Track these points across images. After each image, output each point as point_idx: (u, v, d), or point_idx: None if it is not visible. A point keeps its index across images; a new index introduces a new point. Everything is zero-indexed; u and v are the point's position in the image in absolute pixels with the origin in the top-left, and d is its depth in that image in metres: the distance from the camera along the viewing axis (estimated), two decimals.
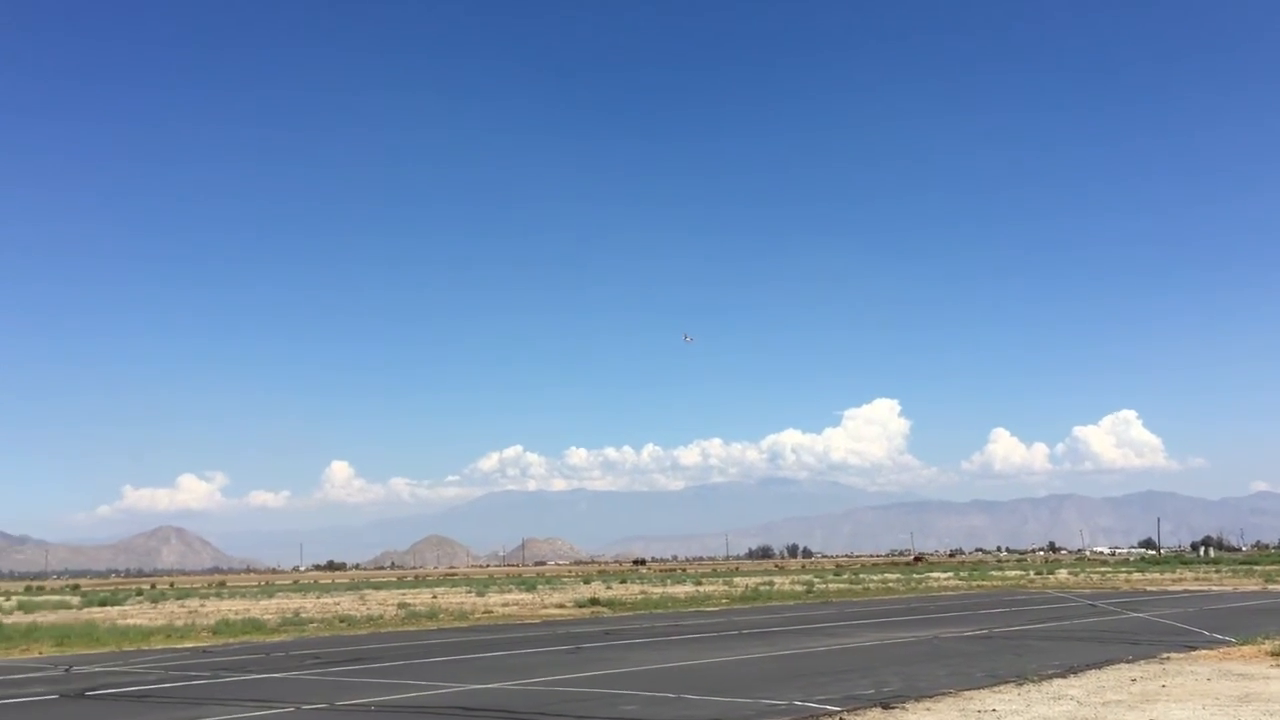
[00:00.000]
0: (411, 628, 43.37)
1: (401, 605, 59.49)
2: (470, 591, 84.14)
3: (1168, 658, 24.84)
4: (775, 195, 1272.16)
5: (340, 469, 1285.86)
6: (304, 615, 51.18)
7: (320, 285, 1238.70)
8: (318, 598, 78.50)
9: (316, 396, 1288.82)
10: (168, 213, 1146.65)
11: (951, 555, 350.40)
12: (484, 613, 52.70)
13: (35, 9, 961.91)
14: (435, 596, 74.43)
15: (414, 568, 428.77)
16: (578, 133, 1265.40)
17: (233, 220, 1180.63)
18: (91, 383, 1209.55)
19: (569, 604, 58.91)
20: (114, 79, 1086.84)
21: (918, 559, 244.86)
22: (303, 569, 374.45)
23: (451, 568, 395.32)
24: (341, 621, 46.44)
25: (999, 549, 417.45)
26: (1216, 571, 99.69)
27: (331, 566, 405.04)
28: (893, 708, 17.77)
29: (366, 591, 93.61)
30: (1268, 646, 26.32)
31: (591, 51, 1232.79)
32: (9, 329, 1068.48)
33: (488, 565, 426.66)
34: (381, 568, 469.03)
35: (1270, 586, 65.84)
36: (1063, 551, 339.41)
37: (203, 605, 68.98)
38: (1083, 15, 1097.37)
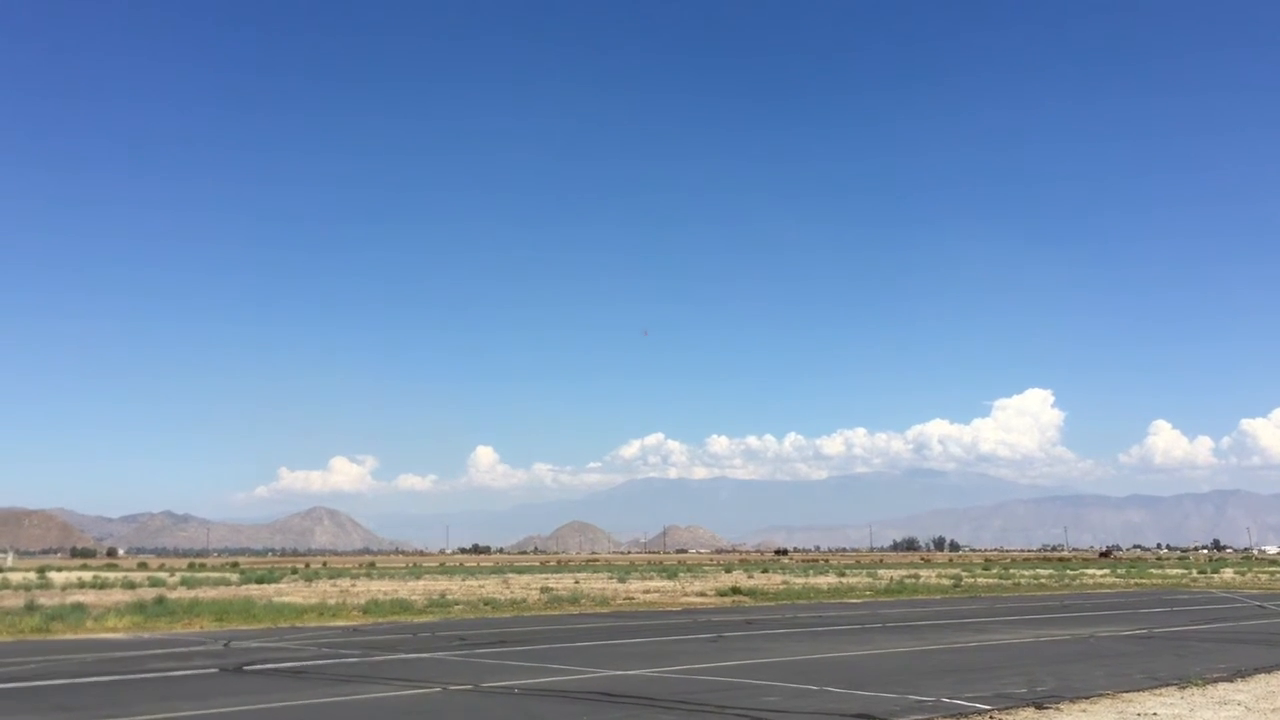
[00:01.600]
0: (554, 612, 43.81)
1: (544, 589, 60.18)
2: (611, 577, 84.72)
3: None
4: (922, 183, 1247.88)
5: (485, 454, 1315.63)
6: (450, 597, 52.15)
7: (468, 275, 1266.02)
8: (463, 580, 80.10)
9: (463, 383, 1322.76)
10: (316, 203, 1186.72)
11: (1104, 555, 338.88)
12: (625, 599, 52.92)
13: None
14: (577, 582, 75.16)
15: (556, 552, 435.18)
16: (716, 118, 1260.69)
17: (382, 211, 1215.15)
18: (251, 368, 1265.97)
19: (710, 592, 58.75)
20: (238, 67, 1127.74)
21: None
22: (449, 551, 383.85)
23: (593, 553, 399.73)
24: (486, 604, 47.17)
25: (1159, 546, 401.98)
26: None
27: (476, 550, 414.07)
28: (1046, 708, 17.09)
29: (510, 575, 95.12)
30: None
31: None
32: (176, 316, 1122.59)
33: (629, 551, 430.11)
34: (524, 552, 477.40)
35: None
36: (1228, 550, 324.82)
37: (353, 585, 71.01)
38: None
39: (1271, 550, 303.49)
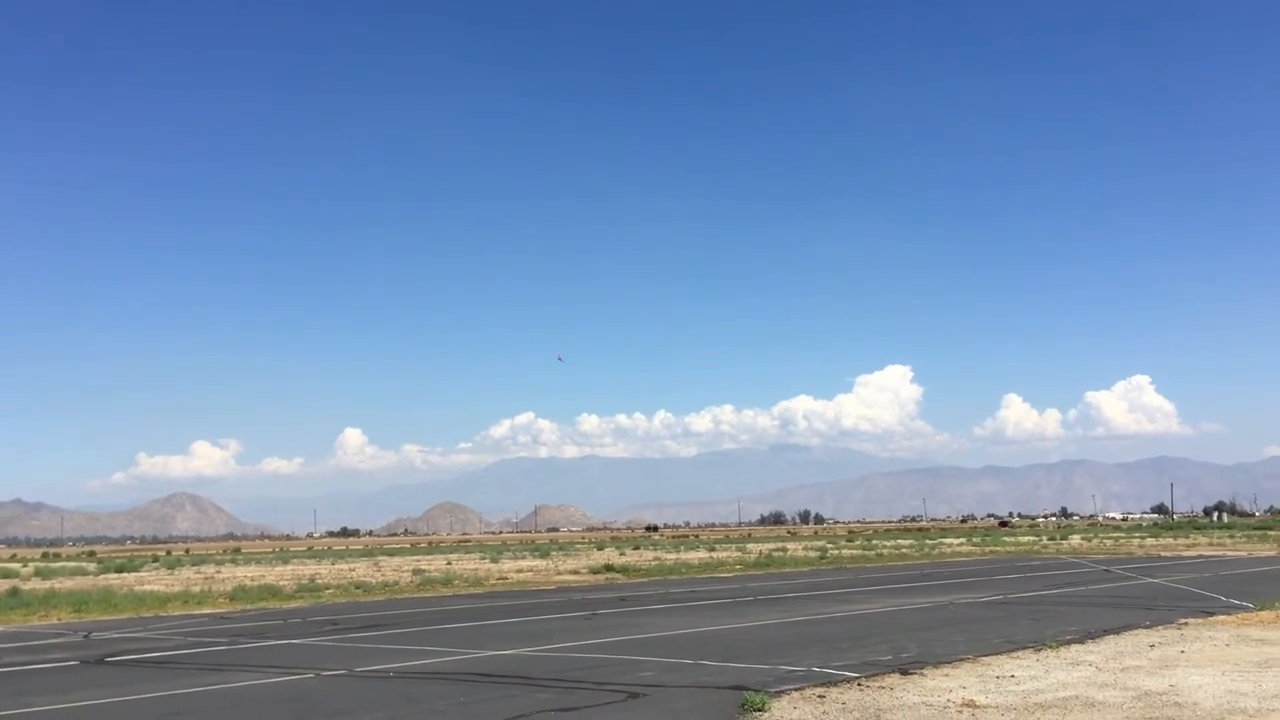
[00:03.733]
0: (427, 594, 43.53)
1: (416, 572, 59.71)
2: (484, 558, 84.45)
3: (1185, 623, 24.75)
4: (791, 163, 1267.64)
5: (353, 436, 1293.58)
6: (319, 581, 51.40)
7: (334, 254, 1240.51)
8: (332, 564, 78.88)
9: (329, 363, 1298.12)
10: (181, 187, 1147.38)
11: (963, 521, 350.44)
12: (498, 579, 52.87)
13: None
14: (449, 563, 74.71)
15: (427, 534, 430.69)
16: (593, 99, 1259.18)
17: (247, 190, 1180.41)
18: (106, 350, 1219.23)
19: (583, 570, 59.06)
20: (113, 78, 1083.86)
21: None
22: (316, 535, 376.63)
23: (464, 534, 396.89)
24: (357, 588, 46.61)
25: (1011, 515, 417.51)
26: (1230, 537, 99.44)
27: (345, 533, 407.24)
28: (911, 673, 17.75)
29: (381, 558, 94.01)
30: None
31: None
32: (26, 299, 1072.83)
33: (500, 532, 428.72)
34: (395, 534, 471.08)
35: None
36: (1075, 517, 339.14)
37: (218, 571, 69.36)
38: None
39: (1115, 516, 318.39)
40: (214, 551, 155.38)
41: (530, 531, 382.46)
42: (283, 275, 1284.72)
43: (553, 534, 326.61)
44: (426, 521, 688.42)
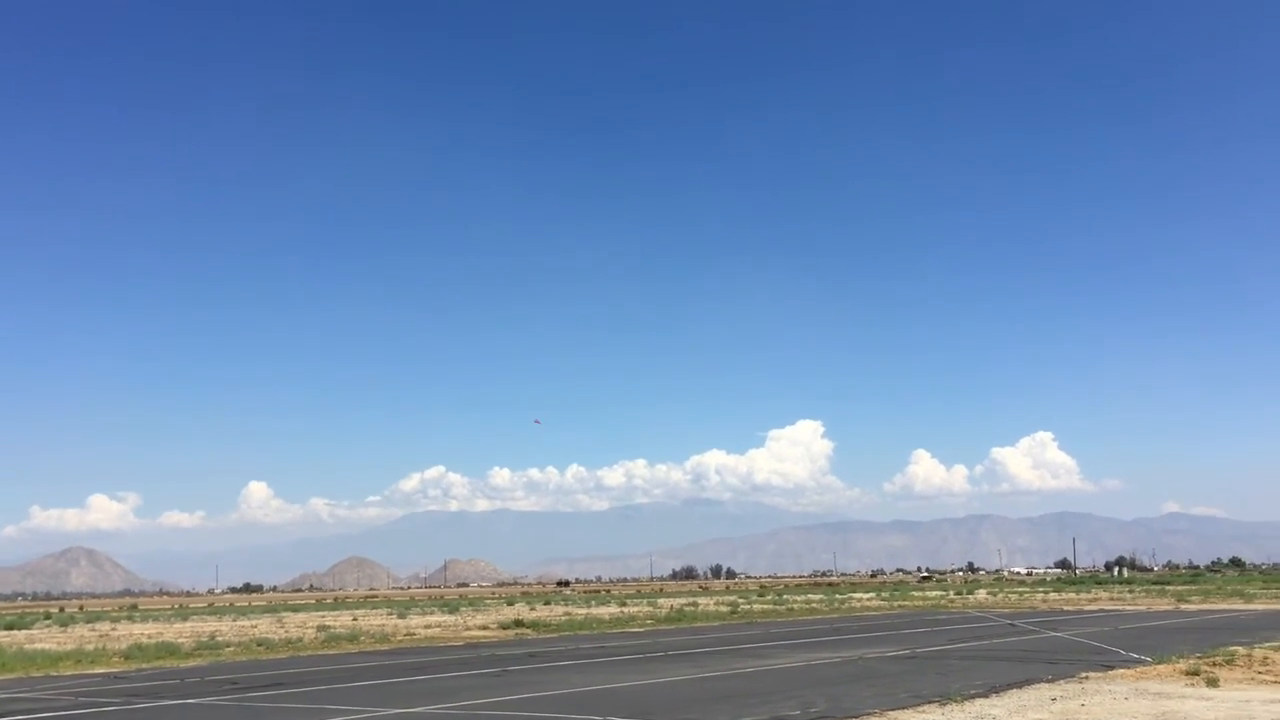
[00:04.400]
0: (332, 651, 42.62)
1: (321, 628, 58.44)
2: (391, 613, 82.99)
3: (1086, 677, 25.24)
4: (702, 216, 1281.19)
5: (258, 489, 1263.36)
6: (220, 639, 50.03)
7: (237, 304, 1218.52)
8: (234, 620, 76.90)
9: (233, 416, 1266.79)
10: (84, 226, 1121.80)
11: (873, 575, 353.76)
12: (406, 635, 51.96)
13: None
14: (355, 619, 73.27)
15: (333, 590, 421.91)
16: (505, 152, 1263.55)
17: (150, 235, 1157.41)
18: None
19: (493, 625, 58.37)
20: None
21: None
22: (218, 591, 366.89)
23: (372, 590, 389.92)
24: (259, 645, 45.46)
25: (919, 569, 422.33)
26: (1130, 591, 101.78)
27: (248, 589, 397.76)
28: None
29: (284, 614, 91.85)
30: (1182, 666, 26.90)
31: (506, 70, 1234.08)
32: None
33: (409, 587, 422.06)
34: (300, 590, 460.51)
35: (1182, 606, 67.35)
36: (981, 572, 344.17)
37: (114, 629, 67.14)
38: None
39: (1020, 571, 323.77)
40: (110, 608, 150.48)
41: (440, 587, 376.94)
42: (184, 325, 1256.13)
43: (462, 589, 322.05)
44: (333, 577, 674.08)
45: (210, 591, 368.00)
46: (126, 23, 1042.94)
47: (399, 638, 50.06)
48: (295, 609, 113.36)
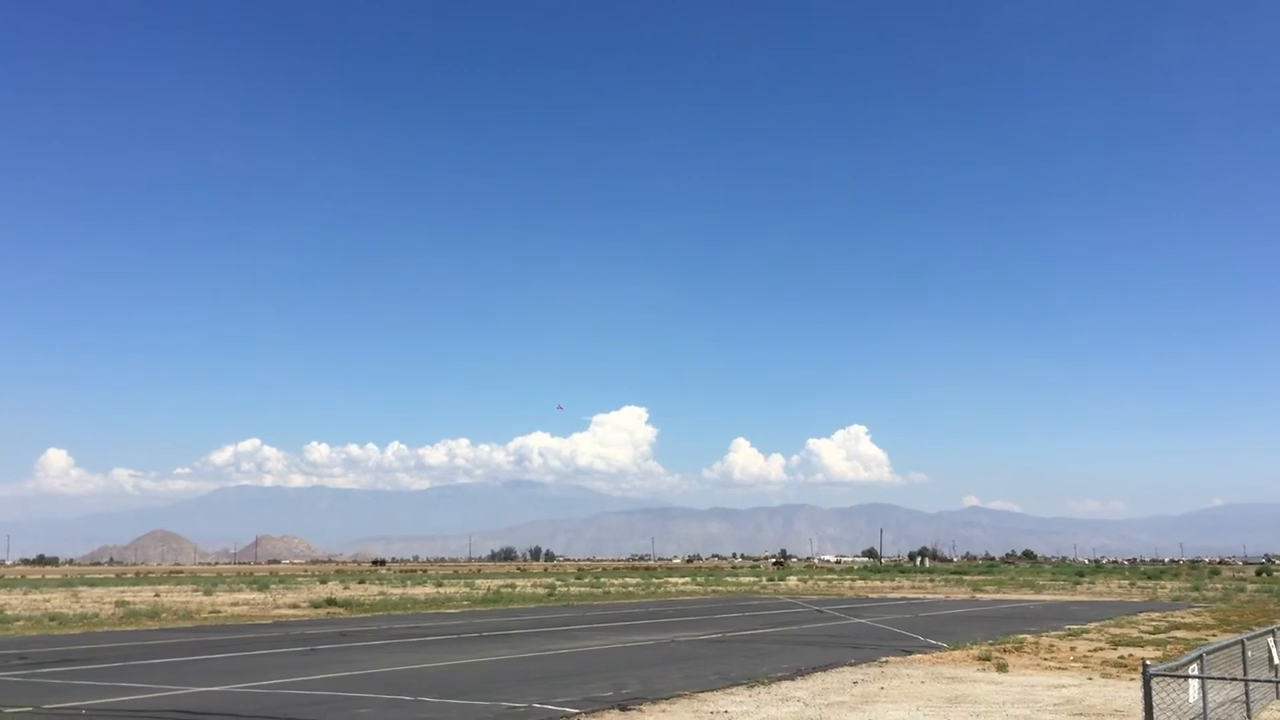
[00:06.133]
0: (130, 627, 40.86)
1: (120, 603, 56.03)
2: (197, 590, 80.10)
3: (887, 661, 26.27)
4: (538, 201, 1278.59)
5: (57, 457, 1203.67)
6: (9, 613, 47.45)
7: (41, 265, 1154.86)
8: (25, 594, 72.89)
9: (31, 381, 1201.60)
10: None
11: (690, 561, 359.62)
12: (211, 612, 50.28)
13: None
14: (158, 595, 70.46)
15: (135, 564, 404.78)
16: (354, 128, 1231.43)
17: None
18: None
19: (304, 604, 56.99)
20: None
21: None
22: (9, 563, 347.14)
23: (177, 565, 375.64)
24: (51, 620, 43.31)
25: (735, 555, 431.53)
26: (931, 580, 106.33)
27: (42, 561, 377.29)
28: (630, 709, 18.03)
29: (80, 588, 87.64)
30: (975, 651, 28.33)
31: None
32: None
33: (217, 563, 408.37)
34: (99, 564, 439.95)
35: (978, 595, 70.73)
36: (793, 559, 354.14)
37: None
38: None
39: (830, 559, 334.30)
40: None
41: (250, 563, 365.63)
42: None
43: (274, 566, 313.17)
44: (135, 550, 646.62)
45: (0, 563, 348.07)
46: None
47: (203, 615, 48.42)
48: (93, 583, 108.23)
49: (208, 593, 74.06)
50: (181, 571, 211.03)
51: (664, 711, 17.89)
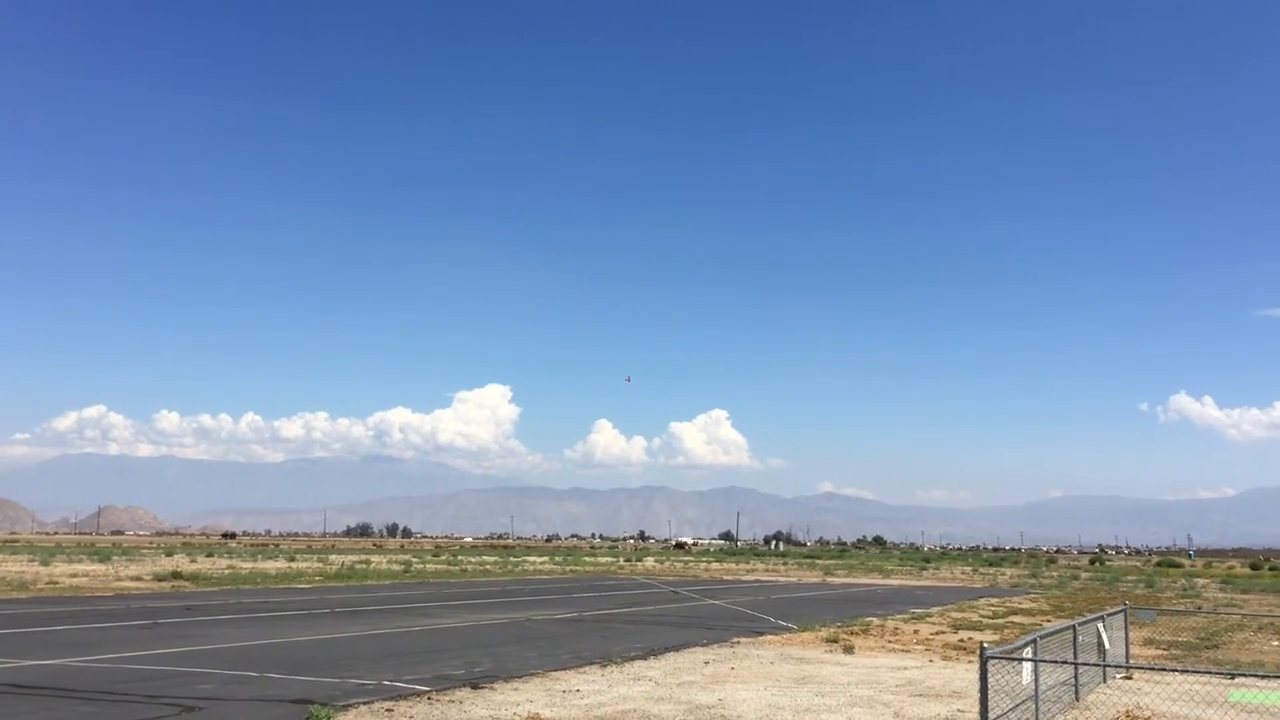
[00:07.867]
0: None
1: None
2: (33, 560, 76.77)
3: (738, 642, 26.73)
4: (406, 176, 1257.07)
5: None
6: None
7: None
8: None
9: None
10: None
11: (548, 540, 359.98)
12: (48, 583, 48.28)
13: None
14: None
15: None
16: (232, 94, 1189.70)
17: None
18: None
19: (147, 576, 55.19)
20: None
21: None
22: None
23: (13, 534, 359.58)
24: None
25: (594, 536, 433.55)
26: (784, 564, 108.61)
27: None
28: (482, 687, 17.96)
29: None
30: (823, 633, 29.06)
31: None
32: None
33: (56, 533, 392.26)
34: None
35: (829, 579, 72.49)
36: (651, 540, 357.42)
37: None
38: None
39: (687, 541, 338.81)
40: None
41: (91, 534, 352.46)
42: None
43: (117, 538, 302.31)
44: None
45: None
46: None
47: (39, 586, 46.47)
48: None
49: (45, 563, 71.06)
50: (18, 541, 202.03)
51: (516, 689, 17.88)
